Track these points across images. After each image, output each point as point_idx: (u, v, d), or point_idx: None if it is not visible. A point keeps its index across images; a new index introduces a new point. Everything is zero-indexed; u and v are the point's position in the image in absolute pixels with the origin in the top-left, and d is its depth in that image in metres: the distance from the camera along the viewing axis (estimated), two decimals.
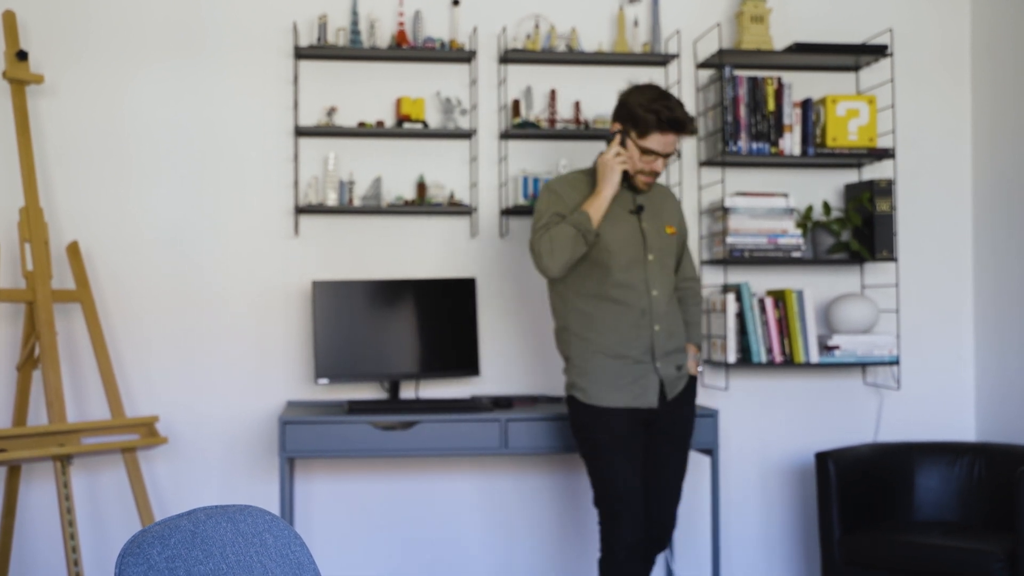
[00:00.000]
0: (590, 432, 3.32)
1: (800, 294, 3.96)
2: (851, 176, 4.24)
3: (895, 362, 4.00)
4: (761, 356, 3.92)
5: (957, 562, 3.42)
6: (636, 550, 3.28)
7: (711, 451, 3.71)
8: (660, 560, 4.12)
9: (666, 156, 3.31)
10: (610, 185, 3.29)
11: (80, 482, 3.85)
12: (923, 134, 4.29)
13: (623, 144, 3.30)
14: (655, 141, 3.26)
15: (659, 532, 3.41)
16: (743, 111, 3.98)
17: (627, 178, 3.37)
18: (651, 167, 3.32)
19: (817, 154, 4.01)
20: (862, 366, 4.19)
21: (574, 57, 4.03)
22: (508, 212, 4.02)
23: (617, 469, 3.27)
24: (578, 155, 4.10)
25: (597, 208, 3.27)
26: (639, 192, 3.40)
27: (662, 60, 4.08)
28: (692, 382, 3.44)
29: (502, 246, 4.08)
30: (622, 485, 3.26)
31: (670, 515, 3.43)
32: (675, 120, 3.24)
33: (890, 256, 4.01)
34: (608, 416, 3.28)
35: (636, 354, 3.29)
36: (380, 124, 3.94)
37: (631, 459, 3.28)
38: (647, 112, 3.24)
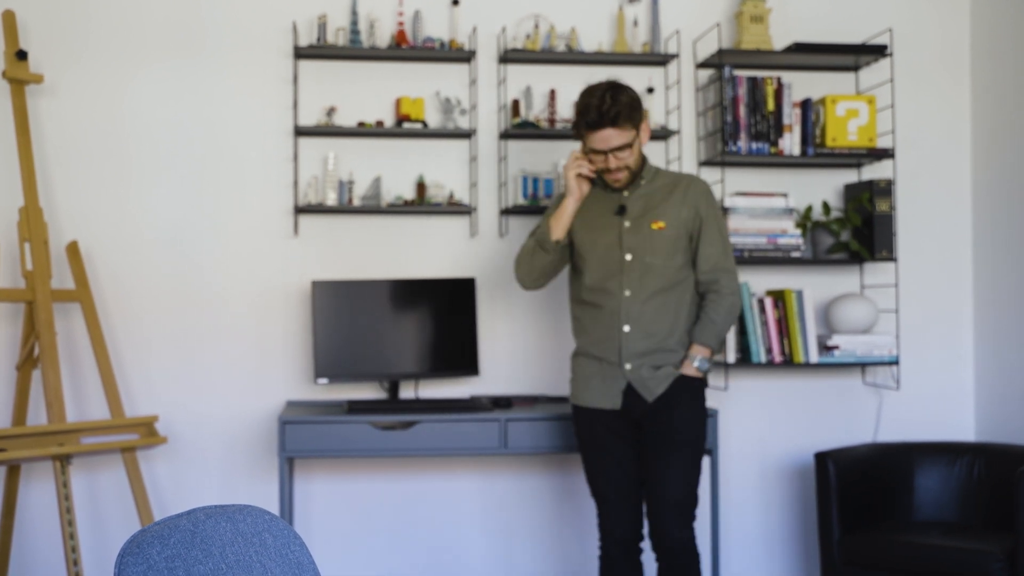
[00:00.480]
0: (576, 429, 3.43)
1: (800, 294, 3.96)
2: (851, 176, 4.24)
3: (894, 362, 4.01)
4: (761, 356, 3.92)
5: (956, 562, 3.42)
6: (625, 545, 3.35)
7: (710, 451, 3.70)
8: None
9: (615, 151, 3.24)
10: (568, 193, 3.31)
11: (80, 482, 3.85)
12: (923, 134, 4.29)
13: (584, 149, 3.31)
14: (592, 140, 3.24)
15: (658, 540, 3.26)
16: (743, 111, 3.98)
17: (602, 180, 3.37)
18: (605, 165, 3.28)
19: (817, 154, 4.01)
20: (861, 366, 4.19)
21: (574, 57, 4.03)
22: (508, 212, 4.02)
23: (598, 466, 3.36)
24: None
25: (557, 217, 3.34)
26: (619, 191, 3.36)
27: (662, 60, 4.08)
28: (685, 382, 3.30)
29: (502, 246, 4.08)
30: (602, 482, 3.35)
31: (666, 522, 3.24)
32: (591, 121, 3.20)
33: (890, 256, 4.01)
34: (583, 415, 3.38)
35: (607, 355, 3.31)
36: (380, 124, 3.93)
37: (613, 457, 3.32)
38: (576, 114, 3.26)
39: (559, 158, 4.05)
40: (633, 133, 3.24)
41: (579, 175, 3.30)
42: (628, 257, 3.31)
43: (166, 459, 3.91)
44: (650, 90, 4.11)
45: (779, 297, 3.97)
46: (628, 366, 3.28)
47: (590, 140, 3.23)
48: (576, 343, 3.45)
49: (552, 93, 4.04)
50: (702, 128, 4.17)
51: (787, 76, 4.14)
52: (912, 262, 4.25)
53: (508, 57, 4.01)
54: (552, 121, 4.02)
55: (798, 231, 4.01)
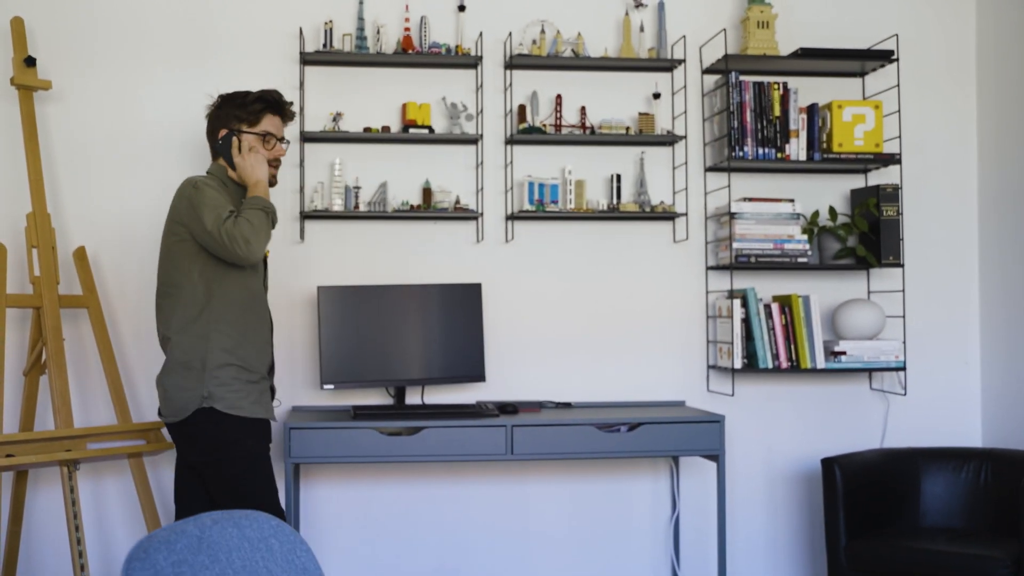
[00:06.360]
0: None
1: (806, 300, 3.95)
2: (857, 181, 4.24)
3: (901, 368, 4.00)
4: (767, 362, 3.92)
5: (963, 568, 3.41)
6: None
7: (717, 456, 3.70)
8: (667, 564, 4.12)
9: (279, 143, 3.31)
10: (262, 173, 3.23)
11: (87, 487, 3.85)
12: (929, 139, 4.28)
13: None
14: (273, 123, 3.27)
15: None
16: (749, 116, 3.98)
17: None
18: (278, 155, 3.30)
19: (823, 159, 4.01)
20: (868, 372, 4.19)
21: (580, 62, 4.03)
22: (514, 217, 4.02)
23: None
24: (584, 160, 4.10)
25: (266, 193, 3.20)
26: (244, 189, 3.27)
27: (668, 65, 4.08)
28: None
29: (508, 251, 4.08)
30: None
31: None
32: (281, 103, 3.28)
33: (896, 262, 4.00)
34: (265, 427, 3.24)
35: (262, 366, 3.20)
36: (386, 129, 3.94)
37: None
38: (253, 98, 3.25)
39: (566, 163, 4.05)
40: None
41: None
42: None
43: (172, 465, 3.90)
44: (656, 95, 4.12)
45: (786, 303, 3.97)
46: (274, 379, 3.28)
47: (269, 123, 3.25)
48: (227, 351, 3.06)
49: (558, 98, 4.04)
50: (708, 133, 4.17)
51: (793, 81, 4.14)
52: (919, 267, 4.24)
53: (514, 63, 4.02)
54: (558, 126, 4.02)
55: (804, 237, 4.00)
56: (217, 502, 3.08)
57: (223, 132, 3.22)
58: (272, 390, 3.24)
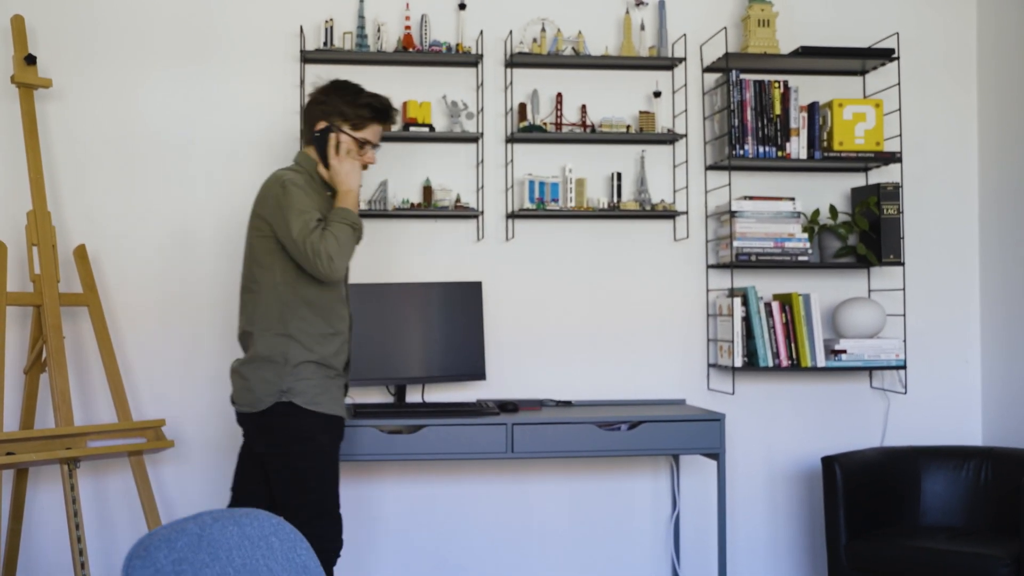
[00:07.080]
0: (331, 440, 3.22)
1: (807, 298, 3.95)
2: (858, 180, 4.24)
3: (902, 366, 4.00)
4: (768, 360, 3.92)
5: (963, 567, 3.41)
6: None
7: (717, 455, 3.70)
8: (668, 563, 4.13)
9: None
10: (354, 182, 3.14)
11: (87, 485, 3.86)
12: (929, 138, 4.28)
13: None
14: (374, 132, 3.17)
15: None
16: (749, 115, 3.97)
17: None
18: (370, 161, 3.19)
19: (824, 158, 4.01)
20: (869, 370, 4.19)
21: (580, 61, 4.03)
22: (514, 216, 4.02)
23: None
24: (584, 158, 4.10)
25: (355, 205, 3.13)
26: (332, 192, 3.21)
27: (668, 64, 4.08)
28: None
29: (508, 250, 4.08)
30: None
31: None
32: (390, 114, 3.18)
33: (897, 260, 4.00)
34: (338, 424, 3.22)
35: (340, 363, 3.20)
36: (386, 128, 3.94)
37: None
38: (360, 103, 3.13)
39: (566, 162, 4.05)
40: None
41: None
42: None
43: (173, 463, 3.91)
44: (657, 94, 4.12)
45: (786, 301, 3.97)
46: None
47: (372, 132, 3.16)
48: (309, 348, 3.07)
49: (559, 97, 4.04)
50: (709, 132, 4.16)
51: (794, 80, 4.14)
52: (919, 266, 4.24)
53: (515, 61, 4.02)
54: (559, 125, 4.02)
55: (805, 235, 4.00)
56: (277, 493, 3.11)
57: (323, 124, 3.13)
58: (346, 387, 3.24)
